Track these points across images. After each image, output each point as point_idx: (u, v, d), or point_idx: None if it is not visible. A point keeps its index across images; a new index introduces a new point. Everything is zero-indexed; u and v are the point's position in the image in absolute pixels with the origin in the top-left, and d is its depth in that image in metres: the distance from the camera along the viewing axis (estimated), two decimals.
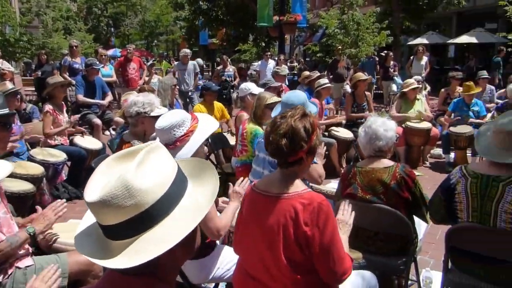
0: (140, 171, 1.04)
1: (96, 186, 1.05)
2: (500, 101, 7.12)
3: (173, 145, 2.42)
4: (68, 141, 5.35)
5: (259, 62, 13.11)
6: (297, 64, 18.51)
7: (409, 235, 2.64)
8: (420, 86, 7.18)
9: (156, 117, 3.18)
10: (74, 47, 9.04)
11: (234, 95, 4.97)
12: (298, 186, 1.84)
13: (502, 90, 8.00)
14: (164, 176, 1.08)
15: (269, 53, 13.28)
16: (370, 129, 2.73)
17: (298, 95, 3.64)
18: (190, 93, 9.27)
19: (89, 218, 1.16)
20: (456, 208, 2.49)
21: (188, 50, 9.95)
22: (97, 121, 6.47)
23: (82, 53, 11.22)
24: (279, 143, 1.77)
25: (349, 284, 2.06)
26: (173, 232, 1.04)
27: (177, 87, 5.98)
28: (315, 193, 1.84)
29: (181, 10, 27.48)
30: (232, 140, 5.50)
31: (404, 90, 6.55)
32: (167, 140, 2.44)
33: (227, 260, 2.55)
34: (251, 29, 20.76)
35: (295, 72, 15.11)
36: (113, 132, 7.22)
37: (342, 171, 5.89)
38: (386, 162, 2.72)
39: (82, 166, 5.14)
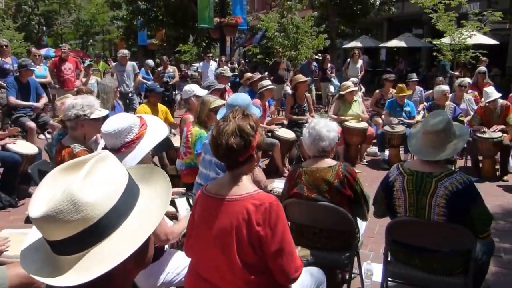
0: (87, 183, 0.99)
1: (41, 201, 0.99)
2: (426, 103, 7.64)
3: (118, 150, 2.36)
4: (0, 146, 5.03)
5: (201, 63, 13.07)
6: (237, 65, 18.61)
7: (352, 230, 2.78)
8: (357, 88, 7.53)
9: (96, 120, 3.11)
10: (4, 47, 8.47)
11: (178, 97, 4.91)
12: (249, 187, 1.88)
13: (430, 91, 8.53)
14: (113, 187, 1.04)
15: (210, 54, 13.26)
16: (314, 131, 2.84)
17: (243, 98, 3.70)
18: (130, 95, 9.06)
19: (37, 232, 1.09)
20: (395, 204, 2.67)
21: (126, 51, 9.73)
22: (31, 124, 6.15)
23: (12, 52, 10.51)
24: (229, 142, 1.80)
25: (298, 281, 2.13)
26: (123, 245, 1.01)
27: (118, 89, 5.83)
28: (265, 193, 1.89)
29: (118, 10, 26.58)
30: (176, 142, 5.45)
31: (342, 92, 6.84)
32: (112, 144, 2.39)
33: (177, 264, 2.53)
34: (192, 30, 20.53)
35: (236, 73, 15.20)
36: (48, 136, 6.89)
37: (286, 171, 6.10)
38: (330, 162, 2.84)
39: (16, 172, 4.85)
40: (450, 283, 2.56)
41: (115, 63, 10.35)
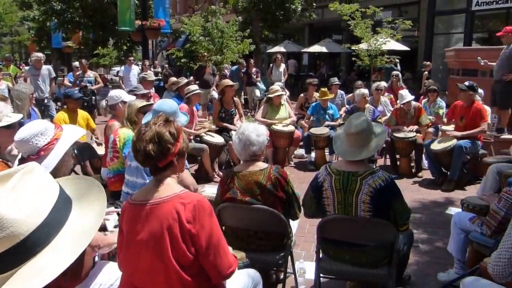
0: (12, 199, 0.94)
1: None
2: (347, 106, 8.06)
3: (37, 155, 2.29)
4: None
5: (122, 67, 12.64)
6: (161, 69, 18.22)
7: (286, 231, 2.85)
8: (284, 92, 7.74)
9: (7, 127, 2.90)
10: None
11: (103, 103, 4.67)
12: (175, 188, 1.88)
13: (350, 95, 8.99)
14: (42, 201, 0.99)
15: (132, 58, 12.86)
16: (243, 136, 2.88)
17: (169, 104, 3.67)
18: (46, 101, 8.51)
19: None
20: (324, 203, 2.79)
21: (41, 54, 9.11)
22: None
23: None
24: (147, 148, 1.82)
25: (238, 283, 2.15)
26: (54, 263, 0.97)
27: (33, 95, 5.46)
28: (192, 192, 1.91)
29: (29, 10, 24.80)
30: (99, 150, 5.21)
31: (270, 96, 6.98)
32: (29, 151, 2.30)
33: (109, 276, 2.42)
34: (111, 33, 19.72)
35: (160, 77, 14.89)
36: None
37: (216, 176, 6.09)
38: (261, 165, 2.89)
39: None
40: (376, 275, 2.72)
41: (28, 67, 9.64)
